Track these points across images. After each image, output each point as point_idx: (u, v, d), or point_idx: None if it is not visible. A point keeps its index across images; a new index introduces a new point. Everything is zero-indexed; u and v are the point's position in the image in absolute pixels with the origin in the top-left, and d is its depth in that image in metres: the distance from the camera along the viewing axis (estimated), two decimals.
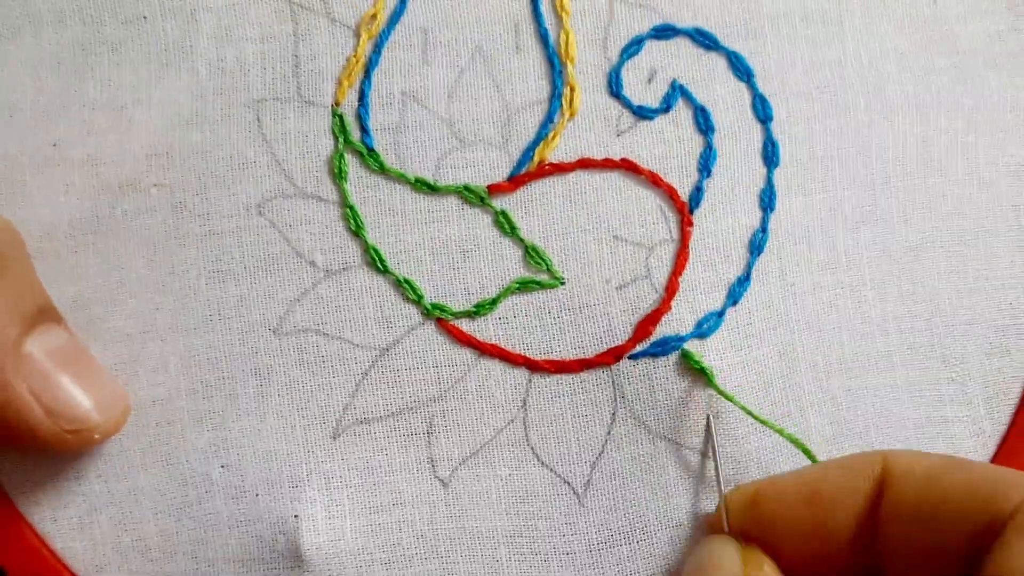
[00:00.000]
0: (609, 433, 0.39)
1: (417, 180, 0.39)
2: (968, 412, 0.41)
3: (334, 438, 0.38)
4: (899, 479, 0.35)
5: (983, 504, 0.33)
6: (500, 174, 0.40)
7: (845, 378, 0.41)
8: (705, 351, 0.39)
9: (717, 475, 0.39)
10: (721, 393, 0.39)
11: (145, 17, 0.39)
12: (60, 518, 0.37)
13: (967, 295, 0.42)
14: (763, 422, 0.39)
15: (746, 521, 0.37)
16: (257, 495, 0.38)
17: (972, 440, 0.41)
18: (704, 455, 0.39)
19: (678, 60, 0.41)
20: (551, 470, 0.39)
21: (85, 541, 0.37)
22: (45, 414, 0.35)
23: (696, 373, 0.39)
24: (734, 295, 0.40)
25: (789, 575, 0.36)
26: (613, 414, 0.39)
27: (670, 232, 0.40)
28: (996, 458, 0.41)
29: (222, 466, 0.38)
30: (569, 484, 0.39)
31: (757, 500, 0.37)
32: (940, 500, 0.34)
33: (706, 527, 0.39)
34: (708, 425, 0.39)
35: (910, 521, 0.34)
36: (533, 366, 0.39)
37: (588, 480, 0.39)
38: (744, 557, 0.36)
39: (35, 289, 0.37)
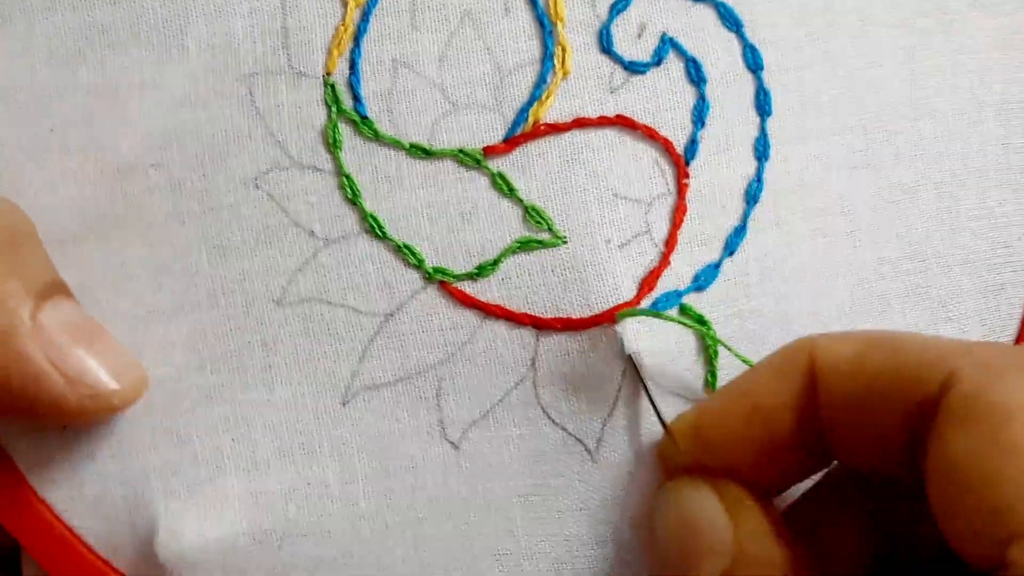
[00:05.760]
0: (619, 390, 0.39)
1: (412, 145, 0.39)
2: None
3: (344, 404, 0.39)
4: (826, 370, 0.33)
5: (911, 385, 0.31)
6: (495, 136, 0.40)
7: (843, 324, 0.41)
8: (702, 303, 0.40)
9: (658, 413, 0.38)
10: (720, 342, 0.39)
11: None
12: (76, 497, 0.38)
13: (961, 234, 0.42)
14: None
15: (694, 451, 0.36)
16: (269, 466, 0.38)
17: None
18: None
19: (666, 13, 0.41)
20: (563, 429, 0.39)
21: (101, 520, 0.37)
22: (65, 382, 0.35)
23: (696, 326, 0.39)
24: (730, 246, 0.40)
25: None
26: (622, 371, 0.39)
27: (667, 186, 0.40)
28: None
29: (233, 439, 0.38)
30: (581, 442, 0.39)
31: (699, 427, 0.36)
32: (869, 385, 0.32)
33: (657, 458, 0.39)
34: (635, 366, 0.38)
35: (845, 412, 0.33)
36: (539, 324, 0.39)
37: (600, 438, 0.39)
38: (722, 498, 0.35)
39: (46, 264, 0.37)
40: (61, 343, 0.35)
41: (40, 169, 0.38)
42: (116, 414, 0.37)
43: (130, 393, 0.37)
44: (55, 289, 0.36)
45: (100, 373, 0.36)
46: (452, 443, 0.39)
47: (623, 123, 0.40)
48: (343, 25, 0.39)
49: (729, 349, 0.39)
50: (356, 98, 0.39)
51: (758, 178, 0.40)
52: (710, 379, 0.39)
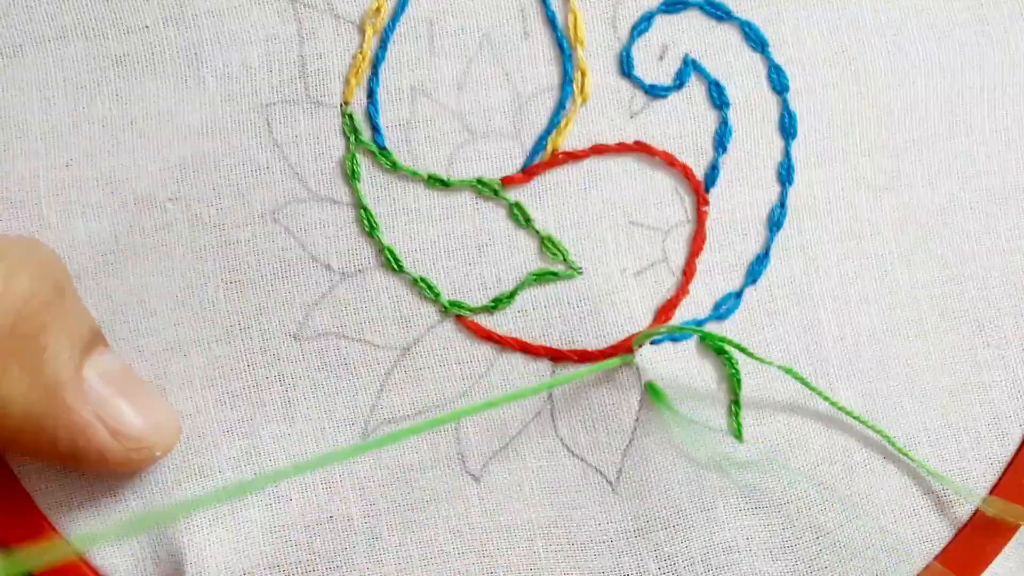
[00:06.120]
0: (637, 420, 0.39)
1: (430, 177, 0.39)
2: (1006, 376, 0.41)
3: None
4: None
5: None
6: (513, 164, 0.39)
7: (874, 349, 0.40)
8: (724, 332, 0.39)
9: None
10: (735, 345, 0.38)
11: (147, 26, 0.39)
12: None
13: (999, 256, 0.41)
14: (804, 382, 0.39)
15: None
16: (291, 500, 0.38)
17: (1013, 403, 0.40)
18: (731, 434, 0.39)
19: (690, 34, 0.40)
20: (582, 460, 0.39)
21: (126, 557, 0.38)
22: (111, 436, 0.35)
23: (717, 355, 0.39)
24: (753, 274, 0.39)
25: None
26: (640, 400, 0.39)
27: (686, 213, 0.39)
28: None
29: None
30: (601, 473, 0.39)
31: None
32: None
33: None
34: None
35: None
36: (556, 356, 0.39)
37: (620, 468, 0.39)
38: None
39: (86, 313, 0.37)
40: (106, 396, 0.36)
41: (58, 203, 0.38)
42: (156, 463, 0.38)
43: (171, 443, 0.37)
44: (97, 340, 0.37)
45: (144, 426, 0.36)
46: (473, 475, 0.39)
47: (641, 150, 0.39)
48: (361, 53, 0.39)
49: (748, 354, 0.38)
50: (374, 128, 0.39)
51: (781, 203, 0.40)
52: (735, 408, 0.39)
